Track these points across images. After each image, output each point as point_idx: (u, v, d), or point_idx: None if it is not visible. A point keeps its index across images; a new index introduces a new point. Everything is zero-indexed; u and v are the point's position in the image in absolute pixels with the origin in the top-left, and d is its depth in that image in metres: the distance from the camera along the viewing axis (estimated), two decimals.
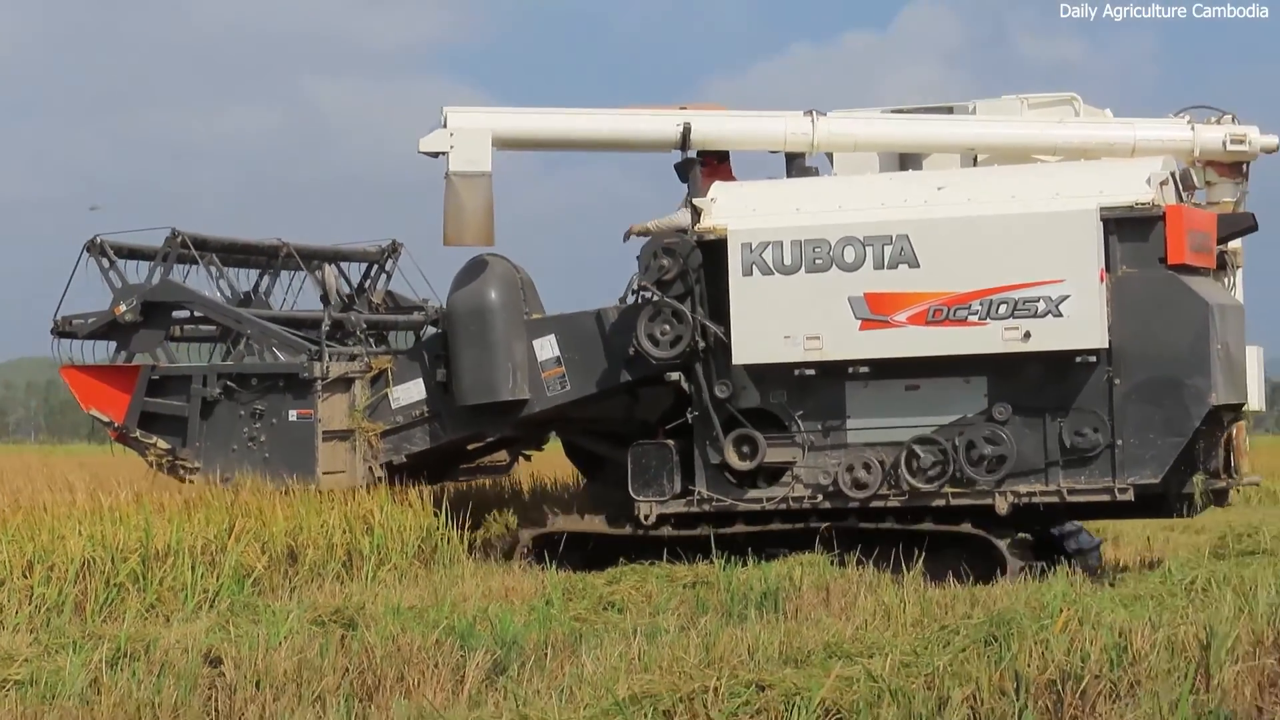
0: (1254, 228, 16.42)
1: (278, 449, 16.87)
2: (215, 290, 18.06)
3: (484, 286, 16.67)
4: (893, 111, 17.50)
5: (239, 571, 14.84)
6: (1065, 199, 15.40)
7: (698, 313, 16.00)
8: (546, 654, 10.99)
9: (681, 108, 17.28)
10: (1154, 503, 15.80)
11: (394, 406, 17.16)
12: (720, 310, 15.98)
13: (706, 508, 16.18)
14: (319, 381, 16.80)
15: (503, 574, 16.13)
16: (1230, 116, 16.97)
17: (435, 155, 16.77)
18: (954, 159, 17.37)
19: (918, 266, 15.39)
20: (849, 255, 15.50)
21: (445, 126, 16.73)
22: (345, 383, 17.07)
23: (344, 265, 19.81)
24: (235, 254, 18.72)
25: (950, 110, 17.56)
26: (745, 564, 15.07)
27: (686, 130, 16.84)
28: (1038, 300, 15.13)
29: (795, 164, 17.22)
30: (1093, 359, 15.27)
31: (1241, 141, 16.79)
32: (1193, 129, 16.77)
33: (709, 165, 17.29)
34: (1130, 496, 15.37)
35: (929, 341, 15.39)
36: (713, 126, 17.11)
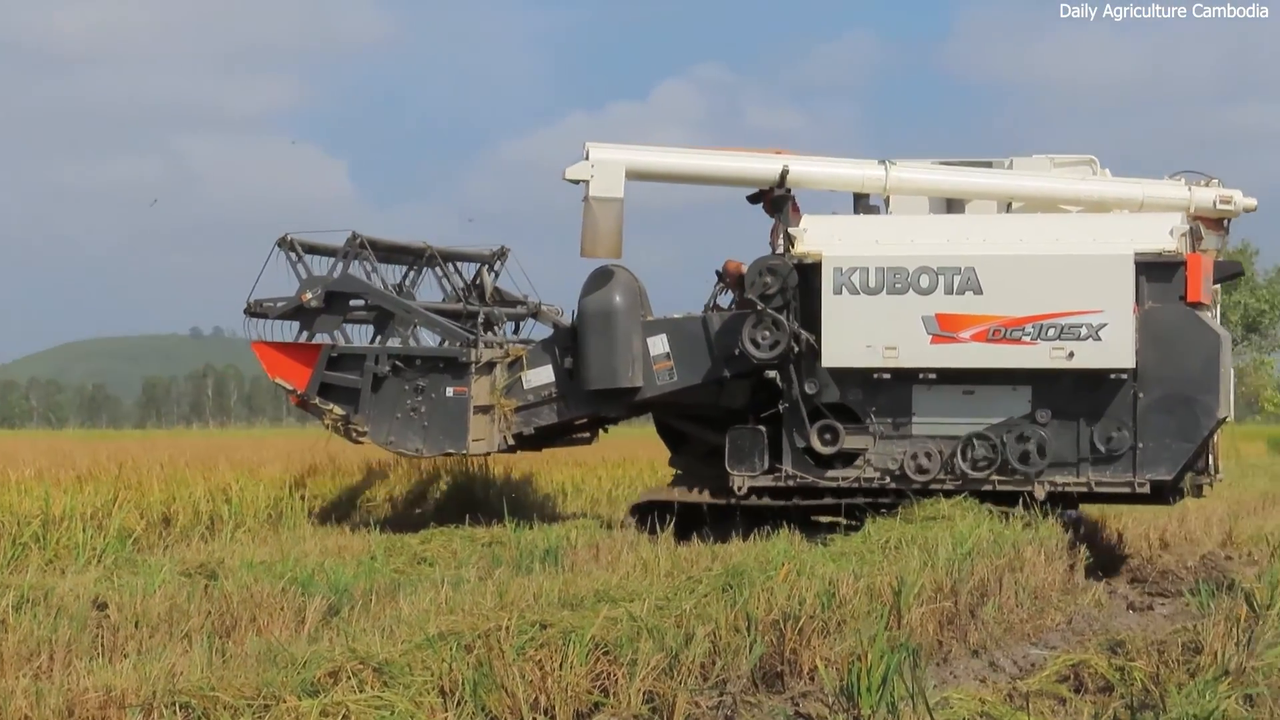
0: (1241, 274, 18.98)
1: (435, 419, 18.25)
2: (373, 282, 19.05)
3: (611, 292, 18.29)
4: (943, 163, 18.90)
5: (122, 533, 16.32)
6: (1104, 244, 16.99)
7: (793, 322, 17.72)
8: (372, 599, 12.04)
9: (778, 152, 18.70)
10: (1154, 495, 17.45)
11: (526, 387, 18.60)
12: (811, 321, 17.63)
13: (791, 483, 17.98)
14: (473, 365, 18.25)
15: (336, 534, 17.77)
16: (1218, 181, 18.50)
17: (577, 182, 18.09)
18: (992, 205, 18.82)
19: (981, 294, 17.03)
20: (924, 281, 17.13)
21: (587, 159, 18.11)
22: (489, 366, 18.51)
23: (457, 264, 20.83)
24: (394, 253, 20.00)
25: (989, 164, 18.94)
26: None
27: (785, 171, 18.21)
28: (1080, 326, 16.78)
29: (861, 203, 18.72)
30: (1123, 376, 16.96)
31: (1228, 202, 18.25)
32: (1189, 189, 18.23)
33: (768, 198, 18.63)
34: (1147, 490, 17.11)
35: (988, 356, 17.05)
36: (806, 169, 18.49)
